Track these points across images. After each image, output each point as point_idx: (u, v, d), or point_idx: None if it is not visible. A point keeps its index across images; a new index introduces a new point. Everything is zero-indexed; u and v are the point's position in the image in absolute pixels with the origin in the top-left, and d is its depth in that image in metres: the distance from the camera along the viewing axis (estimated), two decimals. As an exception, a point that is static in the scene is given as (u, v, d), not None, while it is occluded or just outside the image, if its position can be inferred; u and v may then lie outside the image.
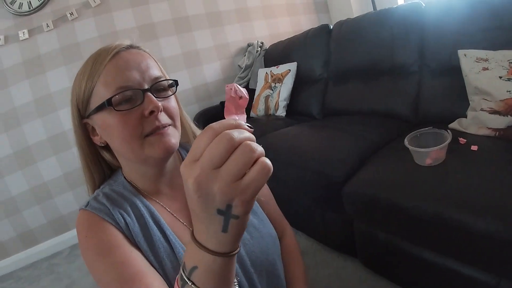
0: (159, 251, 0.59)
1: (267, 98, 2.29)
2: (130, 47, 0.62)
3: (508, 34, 1.33)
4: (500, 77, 1.19)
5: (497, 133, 1.13)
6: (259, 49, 2.62)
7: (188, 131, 0.74)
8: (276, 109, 2.22)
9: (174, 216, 0.66)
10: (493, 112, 1.15)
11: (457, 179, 0.97)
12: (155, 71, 0.62)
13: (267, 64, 2.56)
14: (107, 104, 0.57)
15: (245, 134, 0.33)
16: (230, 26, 2.64)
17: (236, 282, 0.54)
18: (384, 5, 2.88)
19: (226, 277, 0.40)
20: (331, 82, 2.07)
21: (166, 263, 0.59)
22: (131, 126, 0.58)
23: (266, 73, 2.36)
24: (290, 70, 2.22)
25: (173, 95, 0.64)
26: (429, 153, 1.03)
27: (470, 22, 1.43)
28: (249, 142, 0.33)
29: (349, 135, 1.47)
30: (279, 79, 2.26)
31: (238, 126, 0.34)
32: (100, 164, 0.69)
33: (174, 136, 0.61)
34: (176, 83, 0.64)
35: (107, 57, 0.59)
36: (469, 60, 1.29)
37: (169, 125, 0.61)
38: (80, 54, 2.15)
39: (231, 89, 0.41)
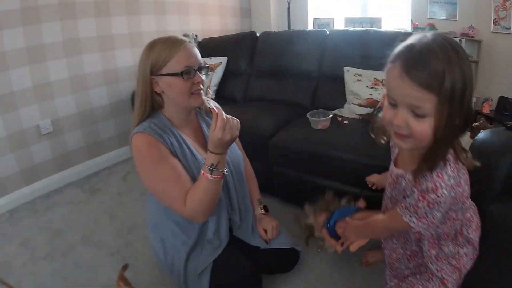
0: (188, 160, 1.06)
1: (200, 82, 2.73)
2: (190, 42, 1.07)
3: (373, 60, 2.08)
4: (367, 86, 1.96)
5: (360, 117, 1.90)
6: (193, 40, 3.02)
7: None
8: (207, 93, 2.68)
9: (194, 140, 1.14)
10: (360, 105, 1.91)
11: (336, 136, 1.69)
12: (200, 59, 1.08)
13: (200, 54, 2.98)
14: (180, 74, 1.01)
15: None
16: (170, 16, 2.93)
17: (227, 168, 1.05)
18: (296, 24, 3.64)
19: (225, 164, 0.99)
20: (253, 76, 2.62)
21: (192, 167, 1.06)
22: (188, 87, 1.04)
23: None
24: (221, 62, 2.69)
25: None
26: (320, 122, 1.75)
27: (352, 50, 2.19)
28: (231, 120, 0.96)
29: (270, 112, 2.10)
30: (211, 69, 2.69)
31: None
32: (150, 102, 1.07)
33: (203, 96, 1.09)
34: (207, 67, 1.14)
35: (181, 46, 1.01)
36: (350, 74, 2.05)
37: (201, 89, 1.08)
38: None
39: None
